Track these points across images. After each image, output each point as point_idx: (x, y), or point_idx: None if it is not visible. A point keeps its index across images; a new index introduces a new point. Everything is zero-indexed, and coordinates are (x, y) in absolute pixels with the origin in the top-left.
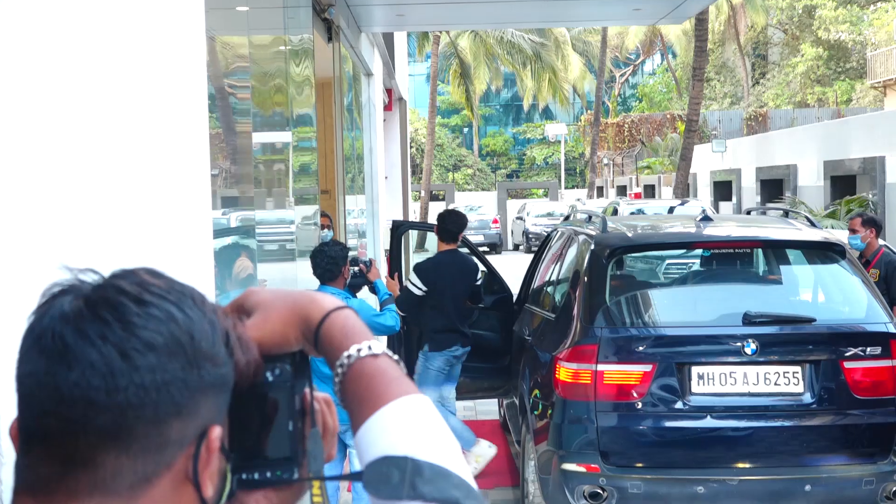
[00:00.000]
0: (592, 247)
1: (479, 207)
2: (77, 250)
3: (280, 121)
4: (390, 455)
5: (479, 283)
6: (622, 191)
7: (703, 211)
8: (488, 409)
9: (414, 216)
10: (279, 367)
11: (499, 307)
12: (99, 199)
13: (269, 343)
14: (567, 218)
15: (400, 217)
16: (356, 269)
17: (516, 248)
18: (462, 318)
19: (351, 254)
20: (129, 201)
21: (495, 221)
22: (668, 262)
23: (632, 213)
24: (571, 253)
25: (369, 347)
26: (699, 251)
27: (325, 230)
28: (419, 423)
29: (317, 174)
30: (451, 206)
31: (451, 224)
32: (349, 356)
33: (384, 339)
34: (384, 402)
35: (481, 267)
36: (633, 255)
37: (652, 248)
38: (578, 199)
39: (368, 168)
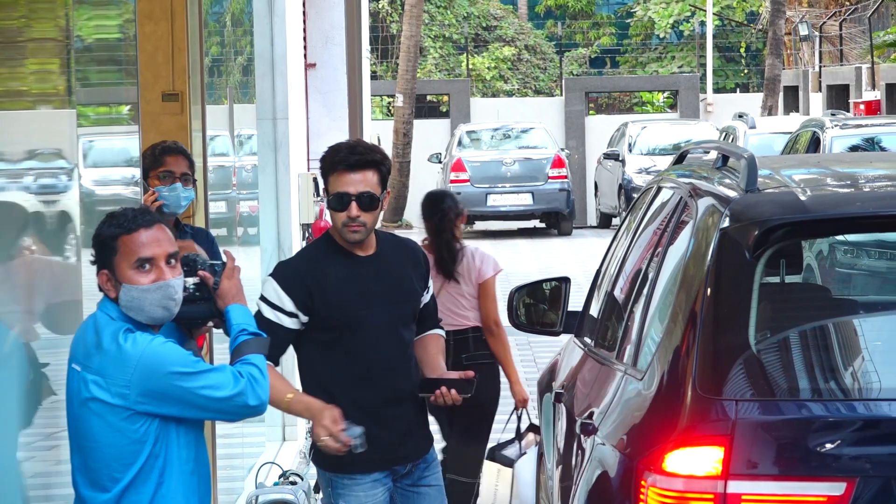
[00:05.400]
0: (725, 223)
1: (525, 133)
2: None
3: None
4: None
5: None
6: (839, 97)
7: None
8: None
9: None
10: None
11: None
12: None
13: None
14: (679, 160)
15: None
16: (193, 281)
17: (605, 221)
18: (405, 379)
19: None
20: None
21: (559, 164)
22: (884, 256)
23: (849, 148)
24: (681, 237)
25: None
26: None
27: (179, 184)
28: None
29: (132, 58)
30: (463, 128)
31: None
32: None
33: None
34: None
35: None
36: (811, 240)
37: (851, 228)
38: (742, 116)
39: (266, 46)
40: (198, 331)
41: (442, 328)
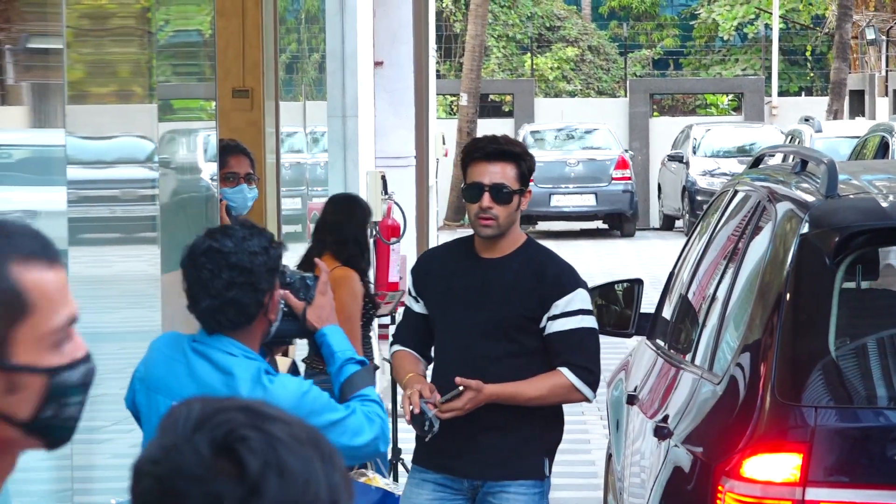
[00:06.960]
0: (805, 229)
1: (589, 134)
2: None
3: None
4: None
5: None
6: None
7: None
8: None
9: (442, 148)
10: None
11: None
12: None
13: None
14: (756, 164)
15: (410, 151)
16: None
17: (668, 223)
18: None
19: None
20: None
21: (623, 165)
22: None
23: None
24: (759, 241)
25: None
26: None
27: (244, 185)
28: None
29: (211, 54)
30: (527, 128)
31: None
32: None
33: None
34: None
35: None
36: (889, 247)
37: None
38: (808, 120)
39: (337, 44)
40: (277, 349)
41: (576, 370)
